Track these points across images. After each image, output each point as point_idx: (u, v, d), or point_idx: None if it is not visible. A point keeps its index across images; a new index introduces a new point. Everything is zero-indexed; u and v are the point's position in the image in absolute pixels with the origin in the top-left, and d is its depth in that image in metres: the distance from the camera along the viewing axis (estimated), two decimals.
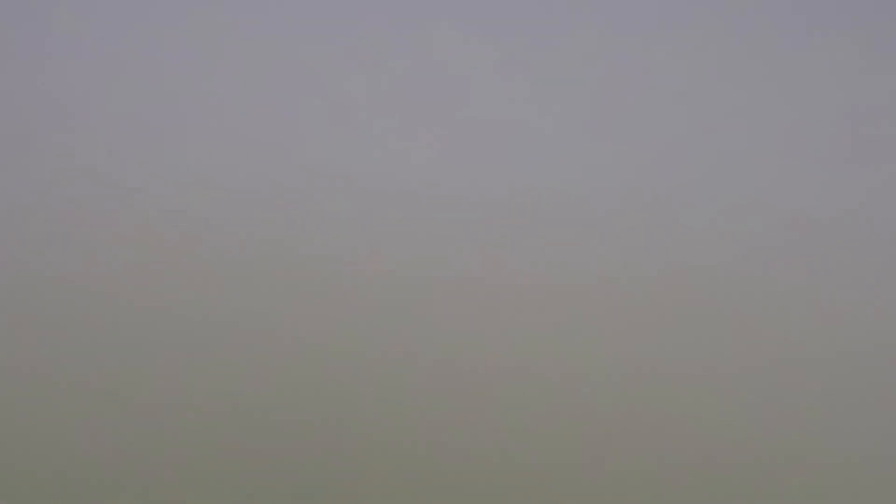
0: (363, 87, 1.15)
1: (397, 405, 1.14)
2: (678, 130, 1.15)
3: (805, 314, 1.14)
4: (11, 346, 1.13)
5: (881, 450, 1.13)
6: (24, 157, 1.14)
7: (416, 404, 1.14)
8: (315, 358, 1.14)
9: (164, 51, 1.14)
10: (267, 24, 1.15)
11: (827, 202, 1.14)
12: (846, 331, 1.13)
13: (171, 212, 1.14)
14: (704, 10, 1.15)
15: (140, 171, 1.14)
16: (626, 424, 1.14)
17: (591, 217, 1.15)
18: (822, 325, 1.14)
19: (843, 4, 1.15)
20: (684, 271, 1.14)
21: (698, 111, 1.15)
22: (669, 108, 1.15)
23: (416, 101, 1.15)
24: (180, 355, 1.14)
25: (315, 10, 1.15)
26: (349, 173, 1.14)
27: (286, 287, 1.14)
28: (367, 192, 1.15)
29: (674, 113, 1.15)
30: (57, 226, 1.14)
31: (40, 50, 1.14)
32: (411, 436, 1.14)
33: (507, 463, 1.15)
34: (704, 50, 1.15)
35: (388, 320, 1.14)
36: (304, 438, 1.14)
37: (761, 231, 1.14)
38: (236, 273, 1.14)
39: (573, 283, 1.14)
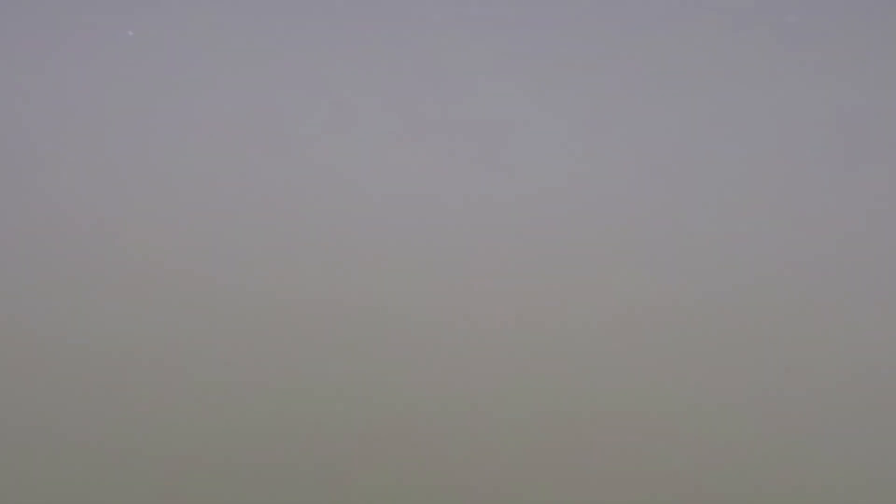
0: (361, 88, 1.15)
1: (399, 406, 1.14)
2: (678, 131, 1.15)
3: (804, 315, 1.14)
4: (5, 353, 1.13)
5: (887, 460, 1.13)
6: (22, 163, 1.14)
7: (416, 410, 1.14)
8: (316, 360, 1.14)
9: (161, 54, 1.14)
10: (263, 25, 1.15)
11: (826, 205, 1.14)
12: (845, 334, 1.13)
13: (168, 216, 1.14)
14: (703, 11, 1.15)
15: (135, 177, 1.14)
16: (626, 428, 1.14)
17: (592, 217, 1.15)
18: (821, 328, 1.14)
19: (841, 5, 1.15)
20: (683, 271, 1.14)
21: (700, 112, 1.15)
22: (670, 109, 1.15)
23: (416, 102, 1.15)
24: (177, 360, 1.14)
25: (313, 10, 1.15)
26: (347, 174, 1.14)
27: (285, 292, 1.14)
28: (365, 192, 1.15)
29: (675, 114, 1.15)
30: (53, 230, 1.13)
31: (33, 49, 1.14)
32: (410, 452, 1.14)
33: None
34: (711, 53, 1.15)
35: (387, 319, 1.14)
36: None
37: (760, 231, 1.14)
38: (234, 275, 1.14)
39: (574, 284, 1.14)
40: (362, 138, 1.15)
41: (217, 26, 1.15)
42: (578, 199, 1.15)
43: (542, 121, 1.15)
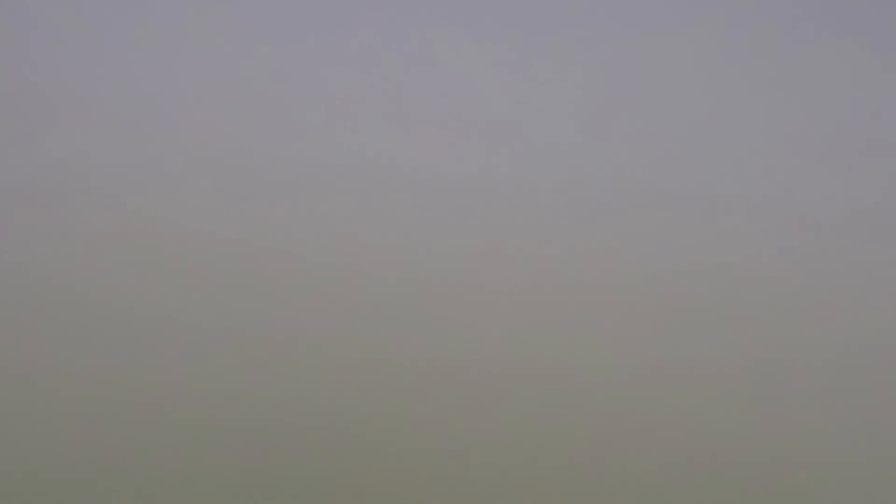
0: (361, 88, 1.15)
1: (397, 408, 1.14)
2: (681, 131, 1.15)
3: (810, 314, 1.14)
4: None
5: (887, 453, 1.13)
6: (15, 156, 1.13)
7: (415, 407, 1.14)
8: (313, 361, 1.14)
9: (157, 51, 1.14)
10: (261, 24, 1.15)
11: (834, 201, 1.15)
12: (850, 329, 1.14)
13: (165, 213, 1.14)
14: (709, 9, 1.15)
15: (131, 172, 1.14)
16: (626, 426, 1.14)
17: (592, 217, 1.15)
18: (826, 324, 1.14)
19: (850, 3, 1.15)
20: (687, 272, 1.14)
21: (702, 111, 1.15)
22: (673, 108, 1.15)
23: (415, 102, 1.15)
24: (176, 359, 1.14)
25: (312, 9, 1.15)
26: (346, 174, 1.14)
27: (282, 289, 1.14)
28: (364, 193, 1.15)
29: (677, 113, 1.15)
30: (51, 226, 1.13)
31: (27, 46, 1.14)
32: (410, 439, 1.14)
33: (507, 466, 1.14)
34: (709, 49, 1.15)
35: (385, 321, 1.14)
36: (300, 444, 1.14)
37: (766, 231, 1.15)
38: (231, 274, 1.14)
39: (573, 284, 1.14)
40: (359, 136, 1.15)
41: (218, 22, 1.15)
42: (578, 197, 1.15)
43: (544, 113, 1.15)
